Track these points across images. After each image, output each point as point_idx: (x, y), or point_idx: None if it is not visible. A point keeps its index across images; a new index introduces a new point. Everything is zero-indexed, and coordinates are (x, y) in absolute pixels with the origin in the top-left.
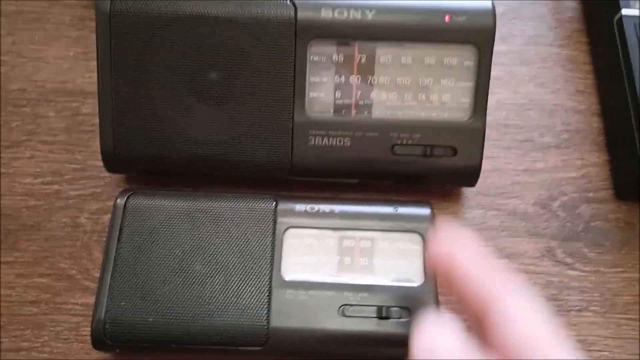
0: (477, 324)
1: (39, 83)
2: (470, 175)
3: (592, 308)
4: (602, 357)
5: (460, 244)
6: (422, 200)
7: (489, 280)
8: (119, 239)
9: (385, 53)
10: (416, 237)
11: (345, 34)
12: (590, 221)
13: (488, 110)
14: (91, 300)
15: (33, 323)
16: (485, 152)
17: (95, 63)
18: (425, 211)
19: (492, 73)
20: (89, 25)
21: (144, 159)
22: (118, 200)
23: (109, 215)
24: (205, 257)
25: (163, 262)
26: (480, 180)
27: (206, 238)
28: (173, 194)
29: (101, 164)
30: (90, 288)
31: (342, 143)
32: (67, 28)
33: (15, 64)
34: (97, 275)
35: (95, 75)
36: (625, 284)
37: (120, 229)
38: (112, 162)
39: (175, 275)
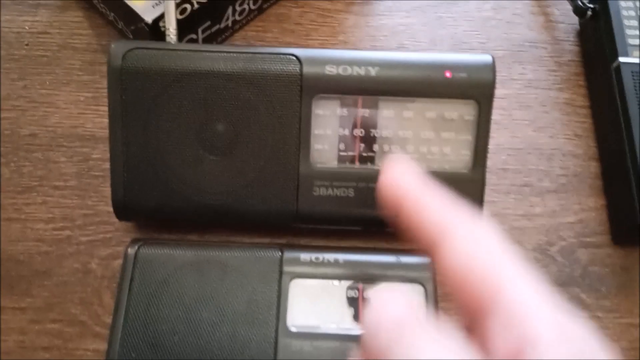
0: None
1: (50, 128)
2: None
3: None
4: None
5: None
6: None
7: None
8: (129, 290)
9: (387, 107)
10: (418, 288)
11: (349, 89)
12: (587, 266)
13: (487, 155)
14: (102, 346)
15: None
16: (485, 197)
17: (105, 108)
18: (426, 260)
19: (491, 118)
20: (99, 70)
21: (153, 208)
22: (129, 250)
23: (119, 261)
24: (212, 307)
25: (172, 312)
26: None
27: (214, 288)
28: (181, 244)
29: (111, 209)
30: (101, 334)
31: (345, 193)
32: (77, 72)
33: (27, 108)
34: (108, 320)
35: (105, 120)
36: (622, 330)
37: (131, 280)
38: (122, 211)
39: (183, 325)
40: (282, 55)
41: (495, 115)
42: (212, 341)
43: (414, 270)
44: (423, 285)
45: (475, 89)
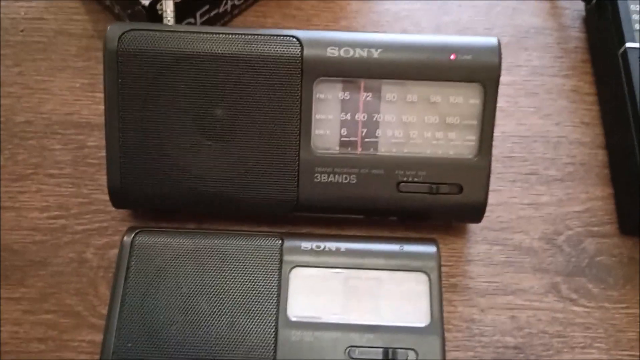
0: None
1: (45, 115)
2: (476, 212)
3: (596, 345)
4: None
5: None
6: (427, 238)
7: None
8: (126, 278)
9: (390, 91)
10: (422, 277)
11: (351, 72)
12: (594, 256)
13: (493, 143)
14: (97, 337)
15: None
16: (491, 186)
17: (101, 95)
18: (431, 249)
19: (497, 105)
20: (94, 56)
21: (150, 196)
22: (125, 239)
23: (115, 251)
24: (211, 296)
25: (170, 301)
26: (485, 213)
27: (212, 277)
28: (179, 232)
29: (107, 197)
30: (96, 325)
31: (347, 180)
32: (73, 59)
33: (22, 95)
34: (104, 312)
35: (101, 107)
36: (629, 320)
37: (127, 268)
38: (118, 199)
39: (181, 314)
40: (282, 37)
41: (501, 102)
42: (211, 331)
43: (418, 259)
44: (427, 274)
45: (480, 72)
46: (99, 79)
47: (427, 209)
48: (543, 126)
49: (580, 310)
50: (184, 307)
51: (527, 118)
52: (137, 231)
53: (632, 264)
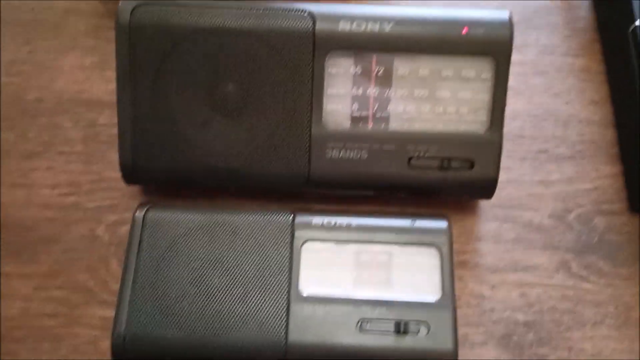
0: None
1: (55, 93)
2: (487, 188)
3: (607, 322)
4: None
5: None
6: (439, 213)
7: None
8: (138, 253)
9: (402, 65)
10: (433, 251)
11: (363, 46)
12: (604, 233)
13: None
14: (109, 313)
15: (51, 336)
16: (501, 164)
17: (111, 73)
18: (442, 224)
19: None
20: (104, 35)
21: (162, 171)
22: (137, 214)
23: (126, 227)
24: (223, 271)
25: (182, 275)
26: (495, 191)
27: (224, 252)
28: (191, 208)
29: (118, 175)
30: (108, 301)
31: (358, 156)
32: (83, 37)
33: (32, 73)
34: (115, 288)
35: (111, 85)
36: (639, 298)
37: (140, 243)
38: (130, 174)
39: (194, 288)
40: (294, 11)
41: (511, 81)
42: (223, 305)
43: (429, 234)
44: (438, 249)
45: (492, 46)
46: (109, 57)
47: (438, 184)
48: (553, 105)
49: (591, 287)
50: (196, 282)
51: (536, 97)
52: (148, 206)
53: None
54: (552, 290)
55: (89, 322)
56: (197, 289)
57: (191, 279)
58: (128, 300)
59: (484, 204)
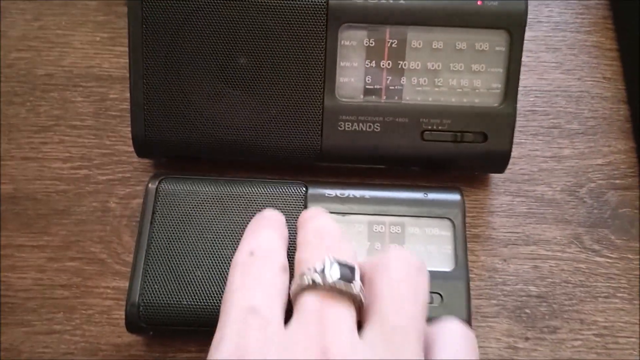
0: None
1: (66, 68)
2: (500, 161)
3: (619, 295)
4: (629, 344)
5: None
6: (452, 185)
7: None
8: (151, 223)
9: (416, 38)
10: (446, 223)
11: (376, 18)
12: (617, 208)
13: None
14: (122, 284)
15: (65, 306)
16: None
17: (122, 48)
18: (455, 197)
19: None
20: (114, 11)
21: (174, 144)
22: (150, 185)
23: (137, 200)
24: (236, 242)
25: (195, 246)
26: (507, 166)
27: (237, 223)
28: (204, 180)
29: (129, 148)
30: (120, 272)
31: (371, 128)
32: (93, 13)
33: (42, 49)
34: (128, 259)
35: (122, 60)
36: None
37: (153, 213)
38: (142, 147)
39: (207, 259)
40: None
41: (523, 57)
42: None
43: (442, 206)
44: (451, 220)
45: (506, 18)
46: (119, 32)
47: (451, 157)
48: (565, 81)
49: (603, 261)
50: (209, 252)
51: (549, 73)
52: (162, 178)
53: None
54: (564, 263)
55: (102, 292)
56: (210, 259)
57: (204, 249)
58: (142, 270)
59: (496, 178)
